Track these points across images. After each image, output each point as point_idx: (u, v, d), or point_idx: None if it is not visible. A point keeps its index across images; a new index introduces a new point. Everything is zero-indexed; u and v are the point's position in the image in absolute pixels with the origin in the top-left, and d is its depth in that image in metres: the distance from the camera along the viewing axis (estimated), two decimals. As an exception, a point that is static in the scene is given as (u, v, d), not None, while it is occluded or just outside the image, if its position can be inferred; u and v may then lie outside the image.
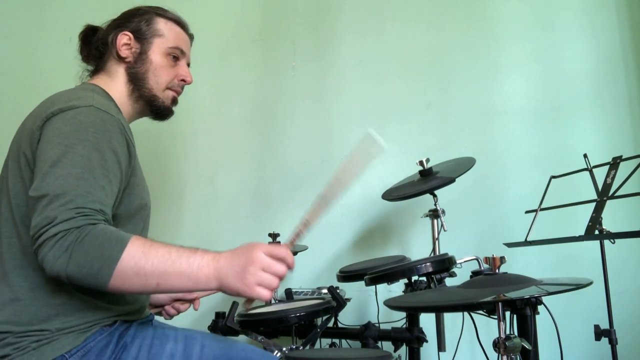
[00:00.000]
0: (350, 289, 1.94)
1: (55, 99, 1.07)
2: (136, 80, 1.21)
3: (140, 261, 0.88)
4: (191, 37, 1.32)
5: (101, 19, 1.30)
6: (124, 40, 1.21)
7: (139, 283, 0.89)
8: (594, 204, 1.39)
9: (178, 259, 0.91)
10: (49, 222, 0.87)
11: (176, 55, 1.26)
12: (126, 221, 1.08)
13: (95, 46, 1.24)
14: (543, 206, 1.50)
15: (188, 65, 1.30)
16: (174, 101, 1.29)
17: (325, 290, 1.76)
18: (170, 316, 1.40)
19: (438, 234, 1.81)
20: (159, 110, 1.26)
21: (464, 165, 1.73)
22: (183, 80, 1.28)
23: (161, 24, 1.24)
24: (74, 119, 0.99)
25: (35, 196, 0.91)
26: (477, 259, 1.50)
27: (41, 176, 0.93)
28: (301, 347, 1.43)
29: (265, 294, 0.93)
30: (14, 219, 1.02)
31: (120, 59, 1.21)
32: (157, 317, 1.32)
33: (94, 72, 1.26)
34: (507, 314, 1.17)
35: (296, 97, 2.46)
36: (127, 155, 1.05)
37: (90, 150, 0.96)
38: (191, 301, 1.40)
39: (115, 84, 1.21)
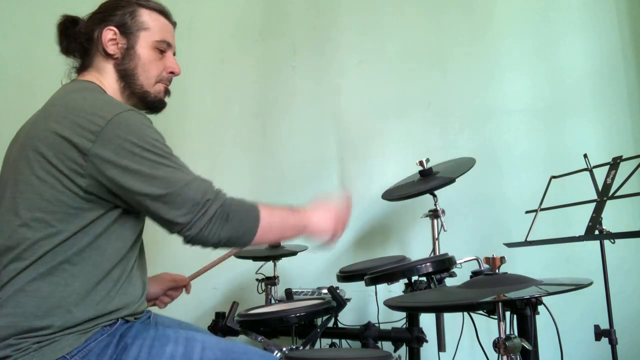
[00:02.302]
0: (350, 289, 1.94)
1: (77, 105, 1.04)
2: (126, 77, 1.19)
3: (270, 219, 1.13)
4: (174, 24, 1.29)
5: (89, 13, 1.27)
6: (109, 35, 1.18)
7: (271, 234, 1.16)
8: (594, 204, 1.39)
9: (290, 216, 1.20)
10: (201, 204, 1.02)
11: (163, 49, 1.23)
12: (135, 215, 1.10)
13: (77, 40, 1.20)
14: (543, 206, 1.50)
15: (174, 54, 1.28)
16: (166, 92, 1.28)
17: (325, 290, 1.76)
18: (165, 304, 1.43)
19: (438, 234, 1.81)
20: (153, 105, 1.25)
21: (464, 165, 1.73)
22: (171, 72, 1.26)
23: (145, 16, 1.21)
24: (129, 126, 1.03)
25: (159, 194, 1.01)
26: (477, 259, 1.50)
27: (149, 181, 1.01)
28: (301, 347, 1.43)
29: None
30: (21, 218, 1.01)
31: (108, 55, 1.18)
32: (152, 309, 1.33)
33: (82, 69, 1.22)
34: (507, 314, 1.17)
35: (296, 97, 2.47)
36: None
37: (162, 146, 1.06)
38: (183, 286, 1.46)
39: (107, 80, 1.19)
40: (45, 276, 0.99)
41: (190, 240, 1.05)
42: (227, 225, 1.05)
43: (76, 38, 1.21)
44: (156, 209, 1.02)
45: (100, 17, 1.20)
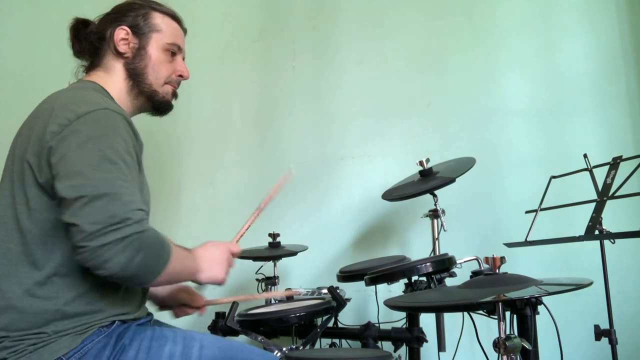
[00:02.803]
0: (350, 289, 1.94)
1: (62, 102, 1.05)
2: (135, 76, 1.20)
3: (174, 264, 1.00)
4: (185, 31, 1.30)
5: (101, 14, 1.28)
6: (122, 35, 1.19)
7: (166, 280, 1.02)
8: (594, 204, 1.39)
9: (187, 260, 1.09)
10: (118, 220, 0.90)
11: (174, 51, 1.25)
12: None
13: (88, 40, 1.21)
14: (543, 206, 1.49)
15: (183, 59, 1.29)
16: (174, 95, 1.29)
17: (325, 290, 1.76)
18: (178, 317, 1.40)
19: (438, 234, 1.81)
20: (160, 105, 1.25)
21: (464, 165, 1.73)
22: (180, 75, 1.27)
23: (158, 19, 1.23)
24: (97, 122, 0.99)
25: (81, 196, 0.91)
26: (477, 259, 1.50)
27: (81, 178, 0.93)
28: (301, 347, 1.43)
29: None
30: (16, 223, 1.01)
31: (119, 54, 1.19)
32: (160, 314, 1.33)
33: (90, 68, 1.23)
34: (507, 314, 1.17)
35: (296, 97, 2.47)
36: (140, 154, 1.09)
37: (123, 154, 0.99)
38: (198, 308, 1.40)
39: (114, 80, 1.19)
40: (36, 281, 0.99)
41: (86, 256, 0.89)
42: (133, 259, 0.91)
43: (87, 38, 1.22)
44: (70, 211, 0.92)
45: (114, 18, 1.22)
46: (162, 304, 1.38)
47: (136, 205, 0.95)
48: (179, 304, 1.39)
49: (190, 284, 1.30)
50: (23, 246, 1.00)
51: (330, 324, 1.60)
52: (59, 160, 0.97)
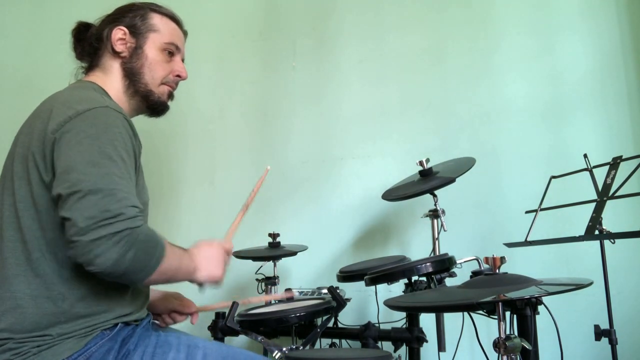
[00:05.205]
0: (350, 289, 1.94)
1: (62, 100, 1.06)
2: (132, 75, 1.20)
3: (169, 261, 0.99)
4: (185, 33, 1.31)
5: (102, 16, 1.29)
6: (119, 35, 1.20)
7: (162, 278, 1.01)
8: (594, 204, 1.39)
9: (185, 259, 1.08)
10: (111, 215, 0.89)
11: (171, 51, 1.25)
12: None
13: (88, 42, 1.23)
14: (543, 206, 1.49)
15: (182, 60, 1.30)
16: (170, 96, 1.28)
17: (325, 290, 1.76)
18: (167, 324, 1.38)
19: (438, 234, 1.81)
20: (155, 106, 1.25)
21: (464, 165, 1.73)
22: (178, 75, 1.27)
23: (156, 19, 1.23)
24: (96, 119, 1.00)
25: (76, 191, 0.91)
26: (477, 259, 1.50)
27: (78, 174, 0.93)
28: (301, 347, 1.43)
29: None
30: (19, 223, 1.01)
31: (115, 53, 1.20)
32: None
33: (89, 69, 1.24)
34: (507, 314, 1.17)
35: (296, 97, 2.47)
36: (138, 154, 1.09)
37: (121, 152, 0.99)
38: (189, 314, 1.39)
39: (111, 80, 1.20)
40: (44, 282, 1.00)
41: (77, 251, 0.89)
42: (125, 256, 0.90)
43: (87, 40, 1.23)
44: (64, 206, 0.92)
45: (112, 18, 1.23)
46: (152, 312, 1.37)
47: (130, 202, 0.94)
48: (169, 311, 1.37)
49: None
50: (28, 246, 1.00)
51: (330, 324, 1.60)
52: (57, 157, 0.97)
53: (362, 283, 1.54)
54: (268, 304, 1.79)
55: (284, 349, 1.35)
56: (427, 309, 1.48)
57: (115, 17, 1.23)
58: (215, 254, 1.15)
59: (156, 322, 1.37)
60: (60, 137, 0.98)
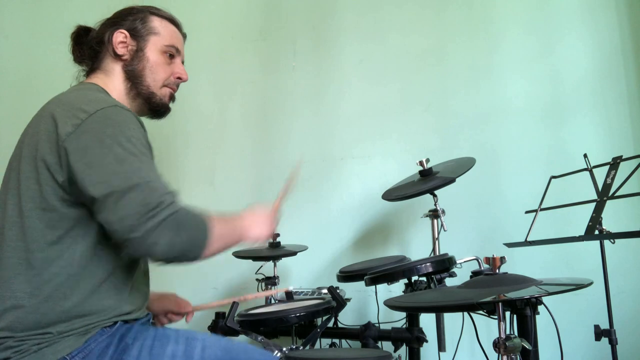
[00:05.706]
0: (350, 289, 1.94)
1: (69, 102, 1.06)
2: (133, 77, 1.21)
3: (219, 232, 1.05)
4: (184, 36, 1.33)
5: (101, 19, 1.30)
6: (120, 38, 1.21)
7: (219, 245, 1.06)
8: (594, 204, 1.39)
9: (233, 225, 1.15)
10: (153, 207, 0.94)
11: (172, 54, 1.26)
12: None
13: (88, 46, 1.24)
14: (543, 206, 1.49)
15: (182, 63, 1.31)
16: (171, 98, 1.30)
17: (325, 290, 1.76)
18: (162, 325, 1.39)
19: (438, 234, 1.81)
20: (157, 107, 1.26)
21: (464, 165, 1.73)
22: (179, 77, 1.28)
23: (156, 22, 1.25)
24: (111, 119, 1.02)
25: (111, 192, 0.95)
26: (477, 259, 1.50)
27: (108, 174, 0.96)
28: (301, 347, 1.43)
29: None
30: (23, 222, 1.01)
31: (117, 56, 1.21)
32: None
33: (90, 71, 1.25)
34: (507, 314, 1.17)
35: (296, 97, 2.47)
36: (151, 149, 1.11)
37: (140, 146, 1.02)
38: (184, 314, 1.41)
39: (113, 82, 1.21)
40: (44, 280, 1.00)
41: (135, 247, 0.94)
42: (177, 237, 0.96)
43: (88, 44, 1.24)
44: (105, 209, 0.95)
45: (112, 22, 1.24)
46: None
47: (165, 190, 0.99)
48: (166, 311, 1.39)
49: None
50: (30, 246, 1.00)
51: (330, 324, 1.60)
52: (79, 159, 0.98)
53: (362, 283, 1.54)
54: (268, 303, 1.79)
55: (284, 349, 1.35)
56: (427, 309, 1.48)
57: (116, 21, 1.24)
58: (264, 212, 1.24)
59: (153, 322, 1.37)
60: (76, 140, 0.99)
